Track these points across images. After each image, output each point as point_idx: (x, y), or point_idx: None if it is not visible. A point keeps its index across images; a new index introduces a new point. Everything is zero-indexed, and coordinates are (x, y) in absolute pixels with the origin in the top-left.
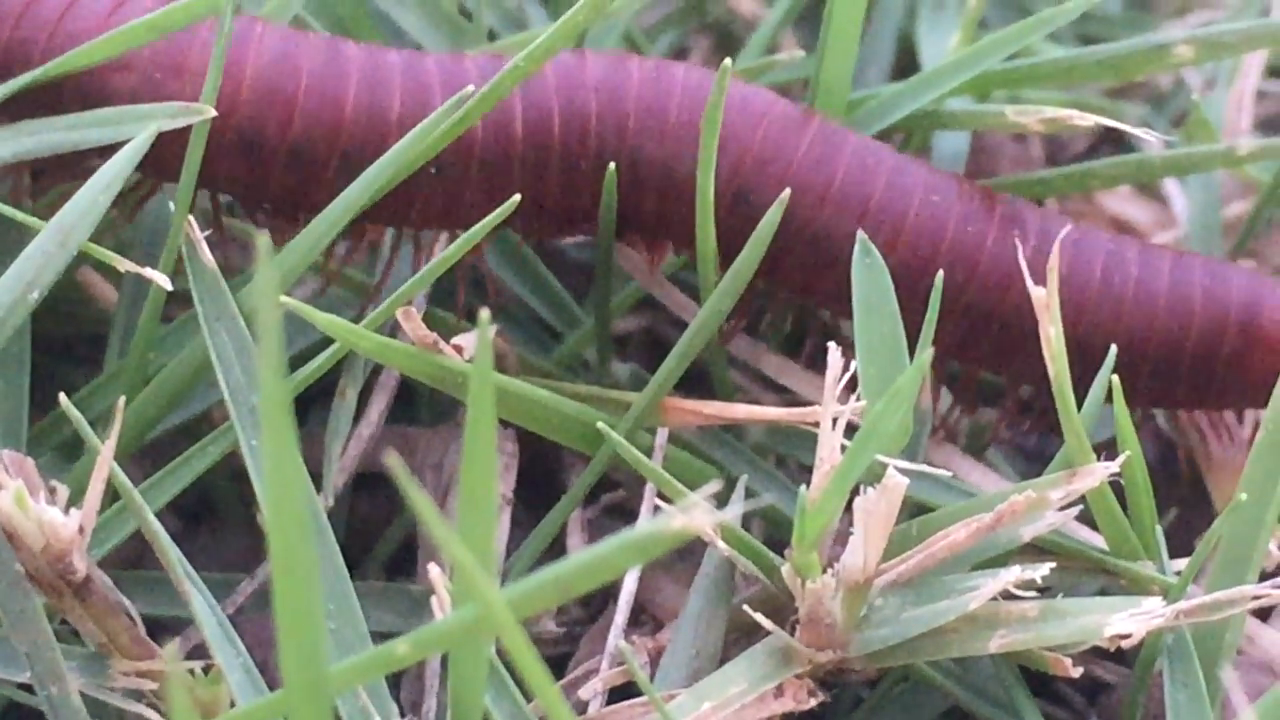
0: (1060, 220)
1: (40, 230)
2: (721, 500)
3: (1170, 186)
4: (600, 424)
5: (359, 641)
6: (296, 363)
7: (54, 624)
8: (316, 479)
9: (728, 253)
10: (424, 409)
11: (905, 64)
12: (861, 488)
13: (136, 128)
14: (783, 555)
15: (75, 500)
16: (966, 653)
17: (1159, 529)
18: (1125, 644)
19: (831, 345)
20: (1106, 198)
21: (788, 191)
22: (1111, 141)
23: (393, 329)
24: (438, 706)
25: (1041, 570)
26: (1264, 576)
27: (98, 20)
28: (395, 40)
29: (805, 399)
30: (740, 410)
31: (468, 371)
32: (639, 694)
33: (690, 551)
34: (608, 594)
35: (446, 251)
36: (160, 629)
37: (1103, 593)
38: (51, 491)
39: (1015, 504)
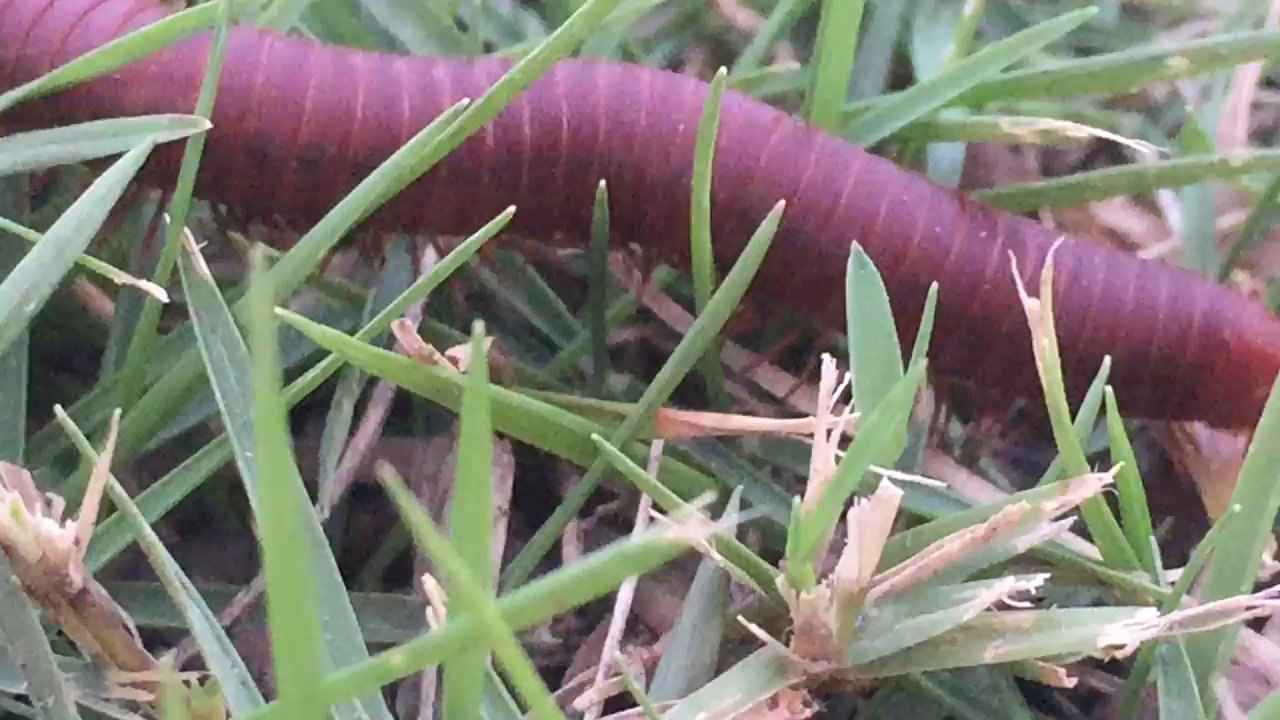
0: (1052, 233)
1: (37, 242)
2: (716, 511)
3: (1165, 197)
4: (595, 435)
5: (355, 652)
6: (292, 374)
7: (50, 635)
8: (312, 490)
9: (726, 266)
10: (420, 420)
11: (900, 75)
12: (856, 499)
13: (134, 140)
14: (777, 566)
15: (71, 512)
16: (961, 663)
17: (1153, 540)
18: (1120, 654)
19: (826, 357)
20: (1101, 209)
21: (782, 204)
22: (1106, 152)
23: (388, 341)
24: (433, 717)
25: (1036, 581)
26: (1258, 587)
27: (105, 37)
28: (391, 51)
29: (800, 410)
30: (735, 421)
31: (463, 383)
32: (634, 705)
33: (685, 562)
34: (603, 605)
35: (442, 263)
36: (157, 640)
37: (1097, 603)
38: (48, 503)
39: (1010, 515)
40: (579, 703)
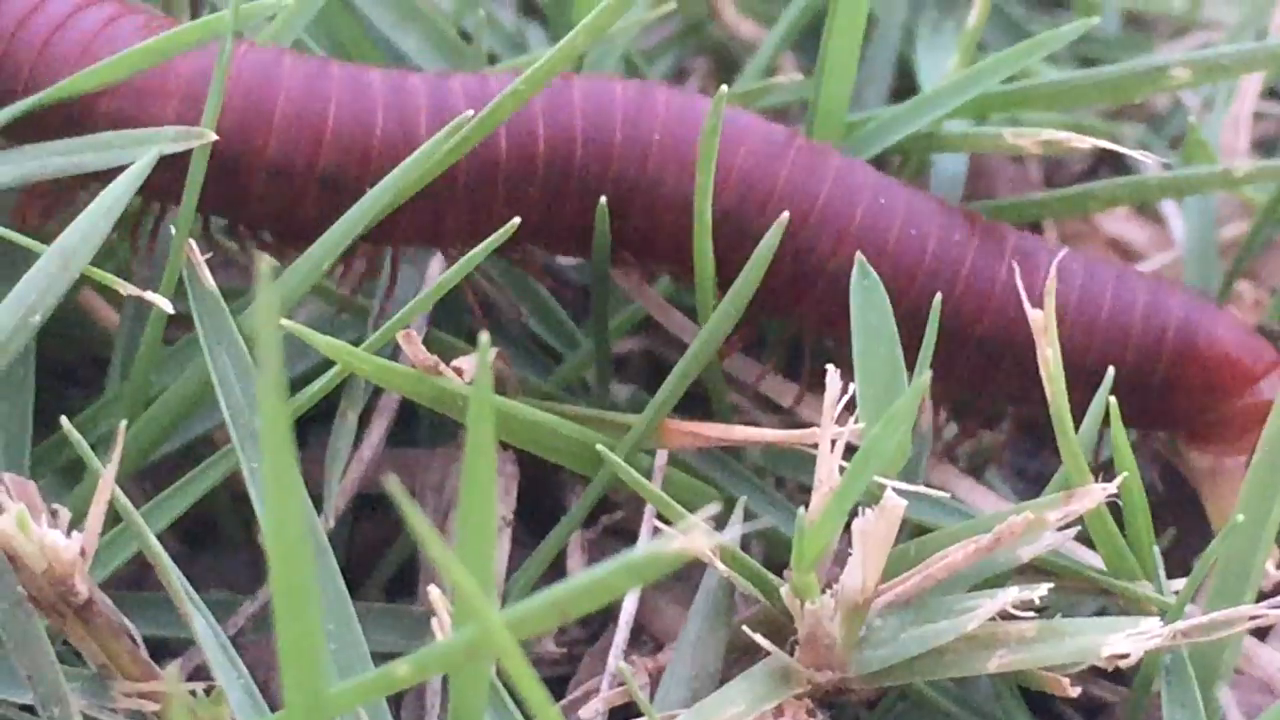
0: (1048, 245)
1: (42, 254)
2: (720, 521)
3: (1168, 208)
4: (600, 446)
5: (360, 662)
6: (298, 385)
7: (56, 646)
8: (317, 500)
9: (722, 273)
10: (425, 431)
11: (904, 86)
12: (860, 509)
13: (138, 151)
14: (782, 576)
15: (77, 523)
16: (965, 673)
17: (1156, 549)
18: (1123, 664)
19: (830, 367)
20: (1104, 219)
21: (785, 216)
22: (1109, 163)
23: (393, 351)
24: None
25: (1040, 590)
26: (1261, 596)
27: (84, 43)
28: (396, 63)
29: (805, 421)
30: (739, 432)
31: (468, 394)
32: (639, 714)
33: (690, 572)
34: (608, 614)
35: (446, 274)
36: (162, 650)
37: (1101, 613)
38: (53, 514)
39: (1013, 525)
40: (584, 712)
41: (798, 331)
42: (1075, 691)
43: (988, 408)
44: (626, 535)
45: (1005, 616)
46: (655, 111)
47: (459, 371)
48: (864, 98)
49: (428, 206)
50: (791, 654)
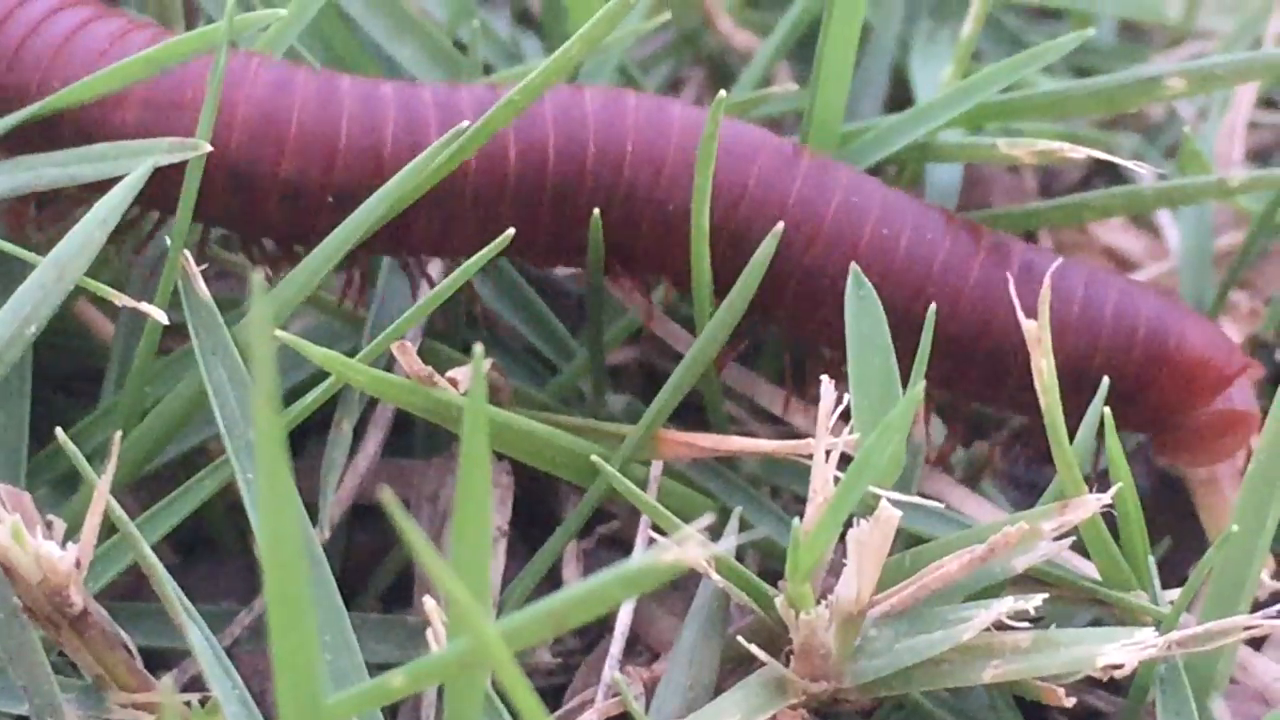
0: (1047, 254)
1: (38, 265)
2: (716, 531)
3: (1163, 218)
4: (595, 456)
5: (355, 673)
6: (293, 395)
7: (51, 656)
8: (312, 511)
9: (724, 287)
10: (420, 441)
11: (899, 96)
12: (855, 519)
13: (133, 163)
14: (777, 586)
15: (72, 533)
16: (960, 683)
17: (1151, 559)
18: (1118, 674)
19: (824, 378)
20: (1099, 229)
21: (780, 225)
22: (1104, 173)
23: (388, 362)
24: None
25: (1034, 601)
26: (1256, 606)
27: (92, 58)
28: (390, 73)
29: (799, 431)
30: (734, 442)
31: (462, 404)
32: None
33: (685, 582)
34: (603, 624)
35: (441, 285)
36: (157, 661)
37: (1096, 623)
38: (48, 525)
39: (1008, 535)
40: None
41: (793, 342)
42: (1070, 702)
43: (989, 414)
44: (622, 545)
45: (1000, 626)
46: (670, 125)
47: (454, 382)
48: (859, 108)
49: (439, 217)
50: (786, 664)
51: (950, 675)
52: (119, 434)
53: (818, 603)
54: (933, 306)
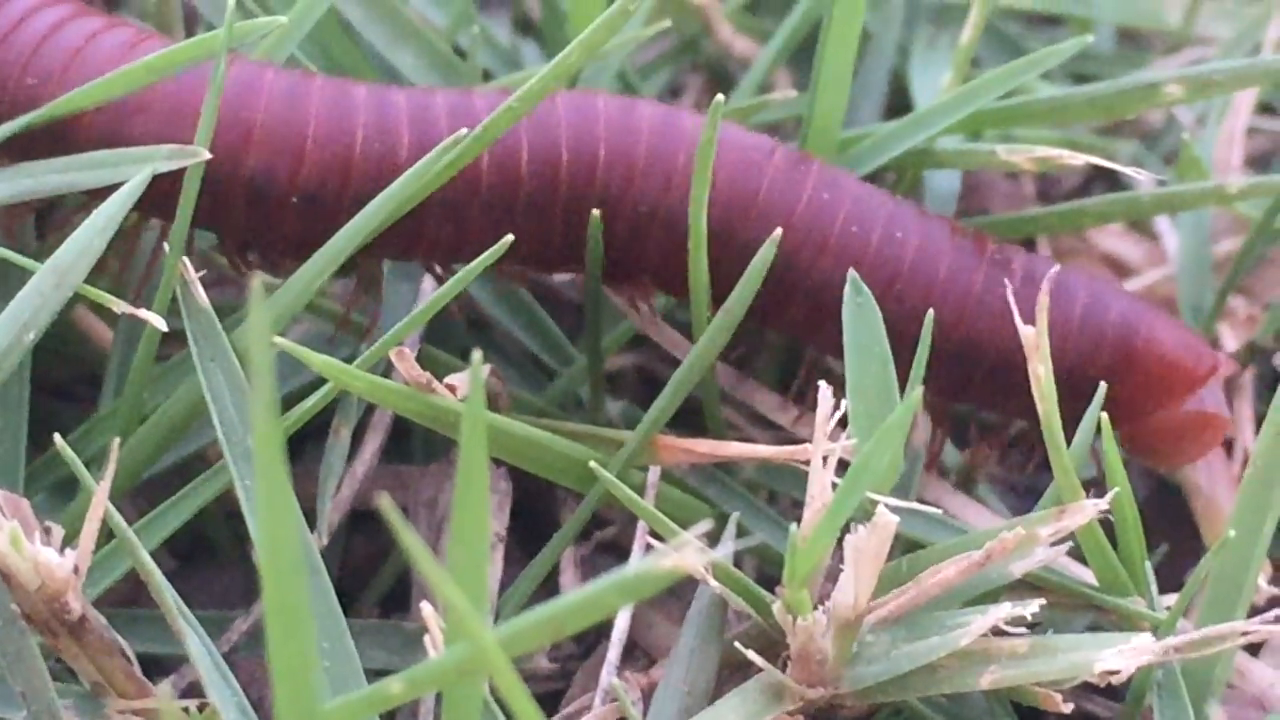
0: (1044, 261)
1: (36, 272)
2: (713, 537)
3: (1162, 224)
4: (592, 462)
5: (353, 679)
6: (291, 401)
7: (49, 663)
8: (310, 517)
9: (721, 292)
10: (418, 447)
11: (898, 103)
12: (852, 525)
13: (133, 169)
14: (774, 592)
15: (70, 540)
16: (958, 689)
17: (1148, 565)
18: (1115, 679)
19: (822, 384)
20: (1098, 235)
21: (779, 232)
22: (1103, 178)
23: (387, 368)
24: None
25: (1032, 606)
26: (1254, 611)
27: (105, 68)
28: (390, 80)
29: (797, 437)
30: (732, 448)
31: (461, 411)
32: None
33: (683, 588)
34: (601, 630)
35: (439, 291)
36: (155, 667)
37: (1093, 628)
38: (46, 531)
39: (1005, 540)
40: None
41: (792, 346)
42: (1068, 707)
43: (985, 418)
44: (619, 551)
45: (997, 632)
46: (682, 135)
47: (452, 388)
48: (858, 114)
49: (451, 221)
50: (784, 670)
51: (948, 681)
52: (117, 440)
53: (815, 608)
54: (930, 312)
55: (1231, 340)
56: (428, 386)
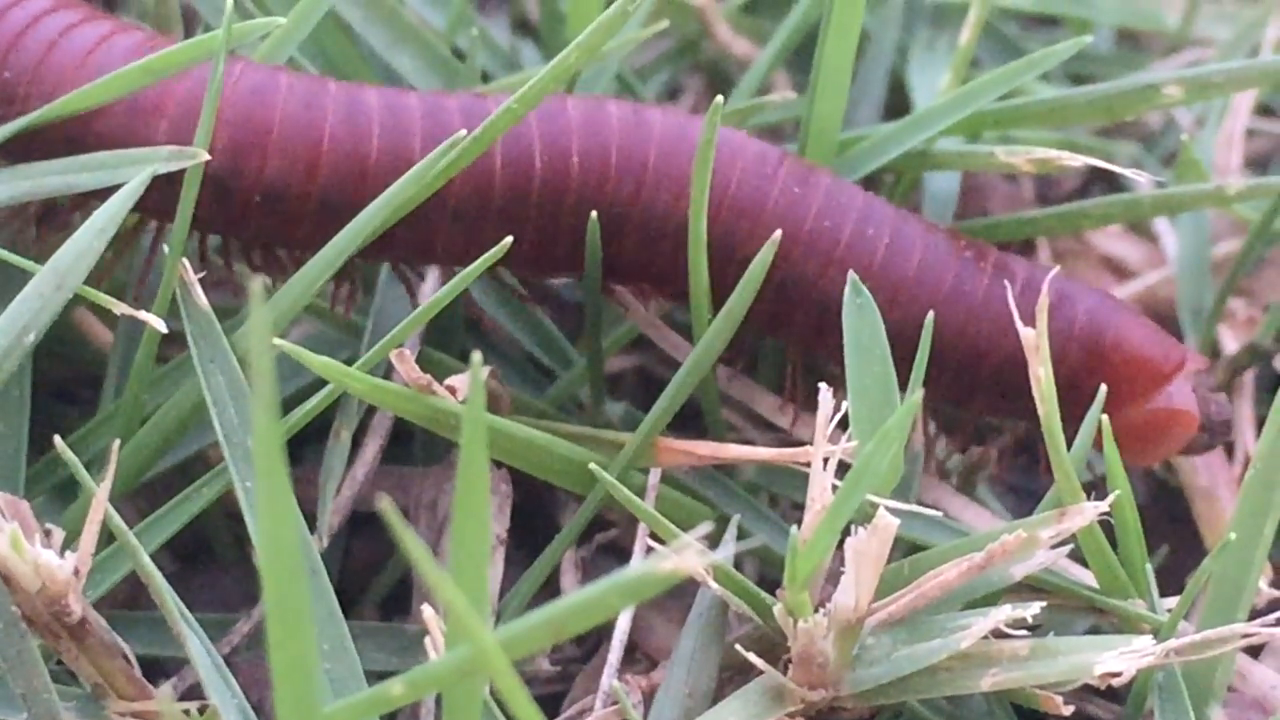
0: (1041, 267)
1: (36, 273)
2: (714, 539)
3: (1161, 225)
4: (593, 464)
5: (354, 681)
6: (291, 403)
7: (50, 665)
8: (311, 520)
9: (718, 295)
10: (418, 449)
11: (896, 104)
12: (853, 527)
13: (132, 171)
14: (775, 594)
15: (71, 542)
16: (959, 691)
17: (1149, 567)
18: (1116, 682)
19: (823, 386)
20: (1097, 237)
21: (778, 234)
22: (1102, 180)
23: (387, 370)
24: None
25: (1032, 609)
26: (1255, 614)
27: (76, 62)
28: (389, 82)
29: (797, 439)
30: (733, 450)
31: (461, 413)
32: None
33: (684, 591)
34: (601, 633)
35: (439, 293)
36: (156, 669)
37: (1094, 631)
38: (47, 533)
39: (1006, 543)
40: None
41: (791, 350)
42: (1068, 710)
43: (985, 423)
44: (620, 553)
45: (998, 635)
46: (693, 143)
47: (452, 390)
48: (857, 116)
49: (463, 227)
50: (785, 672)
51: (948, 683)
52: (117, 442)
53: (816, 611)
54: (930, 314)
55: (1231, 342)
56: (428, 388)
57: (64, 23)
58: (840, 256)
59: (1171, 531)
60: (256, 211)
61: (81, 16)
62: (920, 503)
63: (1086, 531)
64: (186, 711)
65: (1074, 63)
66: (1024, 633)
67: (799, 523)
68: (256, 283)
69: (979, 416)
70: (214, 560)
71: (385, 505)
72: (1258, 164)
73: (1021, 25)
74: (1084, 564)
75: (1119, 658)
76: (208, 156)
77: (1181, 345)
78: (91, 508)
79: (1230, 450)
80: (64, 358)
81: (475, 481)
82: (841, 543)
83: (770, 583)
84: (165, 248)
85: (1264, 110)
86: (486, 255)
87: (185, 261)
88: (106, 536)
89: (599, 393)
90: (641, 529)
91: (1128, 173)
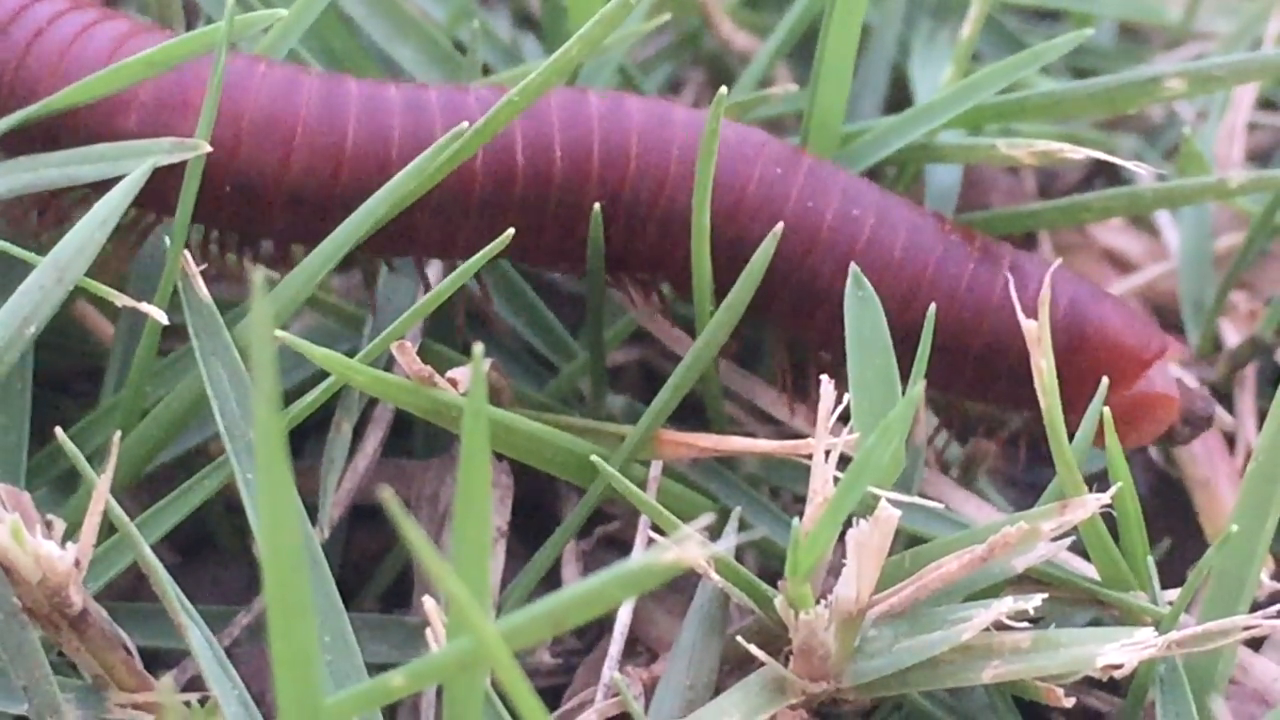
0: (1036, 259)
1: (37, 265)
2: (715, 532)
3: (1163, 218)
4: (594, 456)
5: (355, 673)
6: (292, 395)
7: (51, 656)
8: (312, 511)
9: (722, 288)
10: (420, 442)
11: (898, 97)
12: (854, 519)
13: (133, 163)
14: (776, 587)
15: (72, 533)
16: (960, 683)
17: (1151, 560)
18: (1118, 674)
19: (824, 378)
20: (1099, 230)
21: (780, 225)
22: (1104, 174)
23: (388, 362)
24: None
25: (1034, 601)
26: (1256, 606)
27: (100, 59)
28: (391, 74)
29: (799, 431)
30: (734, 443)
31: (462, 405)
32: None
33: (685, 583)
34: (602, 625)
35: (441, 285)
36: (157, 661)
37: (1095, 623)
38: (48, 525)
39: (1008, 535)
40: None
41: (792, 344)
42: (1070, 702)
43: (984, 416)
44: (621, 546)
45: (1000, 627)
46: (674, 129)
47: (454, 382)
48: (859, 109)
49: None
50: (786, 664)
51: (950, 675)
52: (119, 434)
53: (817, 603)
54: (932, 308)
55: (1233, 335)
56: (429, 380)
57: (53, 10)
58: (825, 238)
59: (1173, 524)
60: (282, 210)
61: (70, 4)
62: (922, 495)
63: (1088, 524)
64: (187, 703)
65: (1076, 56)
66: (1025, 625)
67: (800, 515)
68: (258, 275)
69: (964, 401)
70: (215, 552)
71: (387, 495)
72: (1259, 157)
73: (1023, 19)
74: (1085, 556)
75: (1120, 650)
76: (209, 148)
77: (1163, 332)
78: (92, 499)
79: (1232, 443)
80: (65, 350)
81: (476, 474)
82: (843, 535)
83: (771, 575)
84: (167, 239)
85: (1266, 104)
86: (487, 248)
87: (187, 254)
88: (108, 528)
89: (600, 386)
90: (643, 521)
91: (1129, 165)
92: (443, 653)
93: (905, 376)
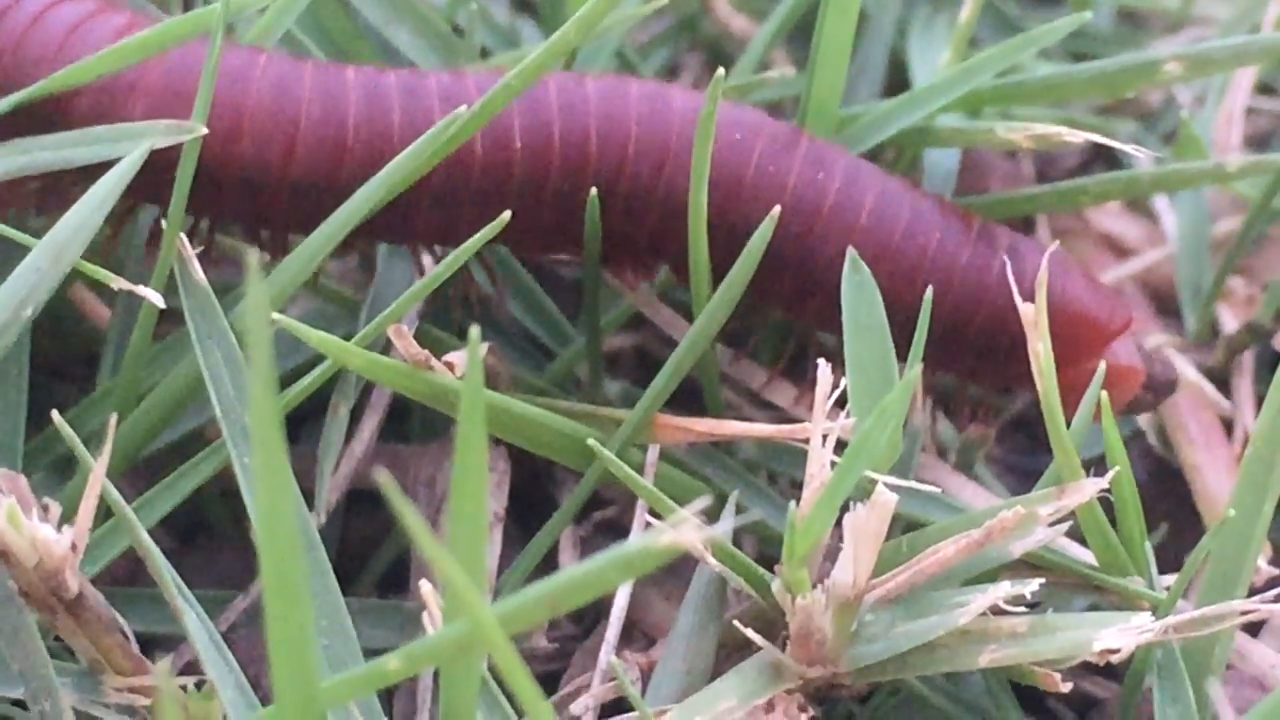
0: (1032, 242)
1: (33, 248)
2: (712, 516)
3: (1160, 203)
4: (591, 441)
5: (351, 657)
6: (289, 380)
7: (47, 640)
8: (309, 496)
9: (720, 272)
10: (416, 426)
11: (896, 81)
12: (851, 504)
13: (129, 146)
14: (773, 571)
15: (68, 518)
16: (957, 668)
17: (1148, 545)
18: (1115, 659)
19: (821, 362)
20: (1097, 214)
21: (778, 209)
22: (1102, 158)
23: (385, 346)
24: None
25: (1031, 586)
26: (1253, 591)
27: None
28: (388, 57)
29: (796, 416)
30: (731, 427)
31: (459, 389)
32: (631, 710)
33: (682, 567)
34: (599, 609)
35: (438, 268)
36: (153, 645)
37: (1092, 608)
38: (44, 509)
39: (1005, 520)
40: (575, 707)
41: (789, 328)
42: (1067, 687)
43: (981, 399)
44: (618, 530)
45: (997, 612)
46: (672, 111)
47: (450, 366)
48: (856, 92)
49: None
50: (783, 649)
51: (947, 660)
52: (115, 418)
53: (814, 587)
54: (929, 290)
55: (1231, 320)
56: (426, 364)
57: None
58: (825, 220)
59: (1171, 509)
60: (284, 201)
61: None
62: (918, 480)
63: (1086, 509)
64: (184, 687)
65: (1074, 40)
66: (1022, 610)
67: (797, 499)
68: (254, 258)
69: (958, 379)
70: (212, 537)
71: (384, 479)
72: (1258, 142)
73: (1021, 3)
74: (1083, 541)
75: (1118, 634)
76: (205, 131)
77: (1128, 304)
78: (89, 483)
79: (1229, 428)
80: (62, 335)
81: (473, 458)
82: (840, 520)
83: (768, 559)
84: (163, 223)
85: (1264, 88)
86: (483, 231)
87: (183, 237)
88: (104, 513)
89: (597, 370)
90: (640, 506)
91: (1128, 149)
92: (439, 636)
93: (903, 360)
